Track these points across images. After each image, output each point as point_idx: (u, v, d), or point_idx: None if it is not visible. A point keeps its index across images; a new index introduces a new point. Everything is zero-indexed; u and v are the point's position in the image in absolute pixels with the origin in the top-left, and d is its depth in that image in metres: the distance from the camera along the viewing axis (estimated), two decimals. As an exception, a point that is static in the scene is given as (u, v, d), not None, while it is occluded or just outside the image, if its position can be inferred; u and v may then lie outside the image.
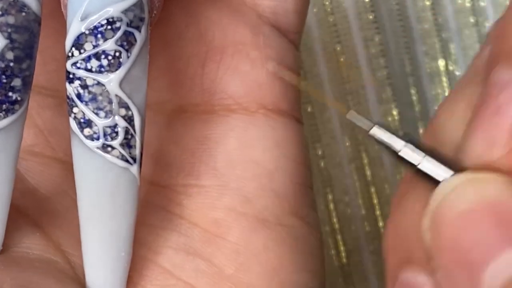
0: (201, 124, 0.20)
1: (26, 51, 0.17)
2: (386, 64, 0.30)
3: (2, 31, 0.17)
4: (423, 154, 0.16)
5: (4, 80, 0.17)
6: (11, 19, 0.17)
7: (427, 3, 0.31)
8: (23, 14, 0.17)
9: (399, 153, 0.16)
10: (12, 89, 0.17)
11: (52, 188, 0.20)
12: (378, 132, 0.16)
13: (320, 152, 0.30)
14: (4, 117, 0.17)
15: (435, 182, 0.15)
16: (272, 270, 0.19)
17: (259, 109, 0.20)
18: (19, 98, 0.18)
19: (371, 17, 0.30)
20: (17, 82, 0.17)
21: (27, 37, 0.17)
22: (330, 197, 0.30)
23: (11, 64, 0.17)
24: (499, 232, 0.14)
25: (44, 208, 0.20)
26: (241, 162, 0.20)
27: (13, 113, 0.17)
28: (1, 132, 0.18)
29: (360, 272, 0.30)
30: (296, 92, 0.21)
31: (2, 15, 0.17)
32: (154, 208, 0.20)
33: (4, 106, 0.17)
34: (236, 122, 0.20)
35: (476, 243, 0.14)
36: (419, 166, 0.15)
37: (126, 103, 0.18)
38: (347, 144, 0.30)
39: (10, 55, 0.17)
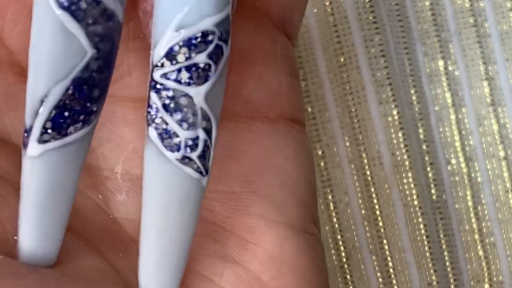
0: (226, 131, 0.20)
1: (108, 61, 0.17)
2: (386, 64, 0.30)
3: (91, 41, 0.16)
4: None
5: (86, 91, 0.17)
6: (99, 29, 0.16)
7: (427, 3, 0.31)
8: (110, 23, 0.17)
9: None
10: (91, 99, 0.17)
11: None
12: None
13: (320, 152, 0.30)
14: (81, 128, 0.17)
15: None
16: (303, 276, 0.20)
17: (279, 118, 0.20)
18: (95, 109, 0.17)
19: (371, 17, 0.30)
20: (96, 93, 0.17)
21: (110, 47, 0.17)
22: (330, 197, 0.30)
23: (94, 74, 0.17)
24: None
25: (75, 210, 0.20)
26: (268, 169, 0.20)
27: (88, 124, 0.17)
28: (75, 144, 0.17)
29: (360, 272, 0.30)
30: (303, 101, 0.21)
31: (93, 24, 0.16)
32: None
33: (81, 117, 0.17)
34: (260, 130, 0.20)
35: None
36: None
37: (208, 116, 0.18)
38: (347, 144, 0.30)
39: (94, 66, 0.17)
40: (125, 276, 0.19)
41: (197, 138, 0.18)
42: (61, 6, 0.16)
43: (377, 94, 0.30)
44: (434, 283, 0.30)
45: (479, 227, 0.31)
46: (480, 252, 0.31)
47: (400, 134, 0.30)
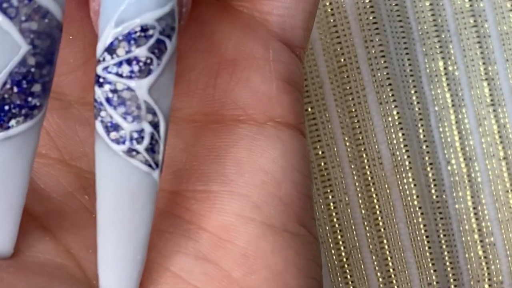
0: (211, 133, 0.20)
1: (47, 57, 0.17)
2: (386, 64, 0.30)
3: (25, 37, 0.17)
4: None
5: (25, 86, 0.17)
6: (34, 25, 0.17)
7: (427, 4, 0.31)
8: (46, 20, 0.17)
9: None
10: (32, 94, 0.17)
11: (58, 190, 0.20)
12: None
13: (320, 152, 0.30)
14: (23, 122, 0.18)
15: None
16: (278, 274, 0.20)
17: (268, 121, 0.21)
18: (38, 104, 0.18)
19: (371, 18, 0.30)
20: (37, 88, 0.17)
21: (49, 43, 0.17)
22: (330, 197, 0.30)
23: (32, 69, 0.17)
24: None
25: (52, 210, 0.20)
26: (250, 169, 0.20)
27: (31, 118, 0.18)
28: (19, 137, 0.18)
29: (360, 272, 0.30)
30: (302, 106, 0.21)
31: (26, 20, 0.17)
32: (163, 213, 0.20)
33: (23, 111, 0.17)
34: (245, 132, 0.20)
35: None
36: None
37: (153, 109, 0.18)
38: (347, 144, 0.30)
39: (32, 61, 0.17)
40: (90, 272, 0.19)
41: (142, 131, 0.18)
42: None
43: (377, 94, 0.30)
44: (434, 283, 0.30)
45: (479, 227, 0.31)
46: (480, 252, 0.31)
47: (400, 134, 0.30)
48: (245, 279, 0.19)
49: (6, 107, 0.17)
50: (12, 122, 0.17)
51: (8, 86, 0.17)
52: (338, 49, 0.30)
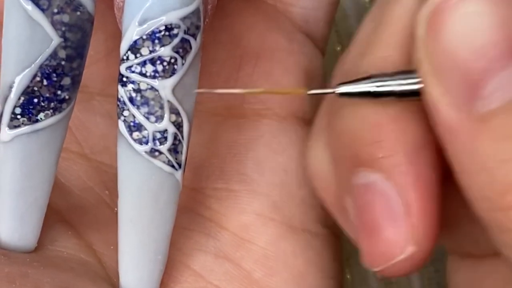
0: (232, 129, 0.20)
1: (78, 50, 0.17)
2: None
3: (57, 29, 0.17)
4: (391, 76, 0.16)
5: (55, 78, 0.17)
6: (66, 18, 0.17)
7: (427, 4, 0.31)
8: (78, 13, 0.17)
9: (375, 89, 0.16)
10: (61, 87, 0.17)
11: (78, 185, 0.20)
12: (345, 88, 0.17)
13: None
14: (51, 115, 0.18)
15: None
16: (299, 275, 0.20)
17: (288, 116, 0.21)
18: (67, 97, 0.18)
19: (371, 17, 0.30)
20: (66, 81, 0.17)
21: (80, 37, 0.17)
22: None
23: (63, 62, 0.17)
24: (506, 46, 0.13)
25: (73, 205, 0.20)
26: (270, 168, 0.20)
27: (60, 111, 0.18)
28: (47, 130, 0.18)
29: (360, 272, 0.30)
30: (319, 101, 0.21)
31: (58, 13, 0.17)
32: (184, 210, 0.20)
33: (52, 104, 0.17)
34: (266, 128, 0.20)
35: (479, 51, 0.13)
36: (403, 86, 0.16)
37: (177, 109, 0.18)
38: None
39: (62, 54, 0.17)
40: (111, 269, 0.19)
41: (165, 131, 0.18)
42: None
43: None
44: (434, 282, 0.30)
45: (479, 227, 0.31)
46: (480, 252, 0.31)
47: (400, 134, 0.30)
48: (266, 280, 0.19)
49: (35, 100, 0.17)
50: (41, 115, 0.17)
51: (38, 78, 0.17)
52: (338, 49, 0.30)
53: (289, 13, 0.21)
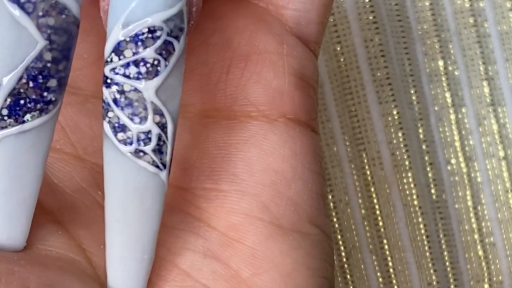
0: (222, 130, 0.20)
1: (64, 52, 0.18)
2: (386, 64, 0.30)
3: (42, 32, 0.17)
4: None
5: (41, 80, 0.17)
6: (51, 21, 0.17)
7: (427, 3, 0.31)
8: (63, 16, 0.17)
9: None
10: (48, 89, 0.18)
11: (71, 185, 0.20)
12: None
13: (320, 152, 0.30)
14: (38, 117, 0.18)
15: None
16: (287, 275, 0.20)
17: (279, 118, 0.21)
18: (53, 99, 0.18)
19: (371, 17, 0.30)
20: (52, 83, 0.18)
21: (66, 39, 0.17)
22: (330, 197, 0.30)
23: (48, 64, 0.17)
24: None
25: (65, 205, 0.20)
26: (260, 169, 0.20)
27: (46, 113, 0.18)
28: (33, 131, 0.18)
29: (360, 272, 0.30)
30: (315, 102, 0.21)
31: (43, 16, 0.17)
32: (173, 210, 0.20)
33: (38, 106, 0.18)
34: (256, 129, 0.20)
35: None
36: None
37: (160, 110, 0.18)
38: (347, 144, 0.30)
39: (48, 56, 0.17)
40: (101, 268, 0.19)
41: (149, 132, 0.18)
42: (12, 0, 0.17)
43: (377, 94, 0.30)
44: (434, 283, 0.30)
45: (479, 227, 0.31)
46: (480, 252, 0.31)
47: (400, 134, 0.30)
48: (253, 279, 0.19)
49: (22, 102, 0.18)
50: (27, 116, 0.18)
51: (24, 80, 0.17)
52: (338, 49, 0.30)
53: (280, 16, 0.21)
